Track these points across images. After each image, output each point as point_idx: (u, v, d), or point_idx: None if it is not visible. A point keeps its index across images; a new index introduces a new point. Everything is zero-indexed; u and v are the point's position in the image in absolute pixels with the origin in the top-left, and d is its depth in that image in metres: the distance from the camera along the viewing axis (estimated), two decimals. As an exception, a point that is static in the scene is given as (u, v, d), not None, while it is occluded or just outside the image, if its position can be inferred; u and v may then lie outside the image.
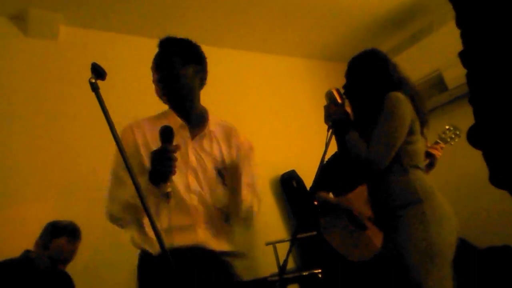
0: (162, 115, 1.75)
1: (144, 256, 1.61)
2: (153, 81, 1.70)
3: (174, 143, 1.49)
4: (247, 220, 1.77)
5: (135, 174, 1.32)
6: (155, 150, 1.46)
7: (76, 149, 3.08)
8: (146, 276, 1.59)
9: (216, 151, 1.72)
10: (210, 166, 1.67)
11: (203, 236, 1.60)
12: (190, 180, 1.61)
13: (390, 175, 1.86)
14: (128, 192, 1.51)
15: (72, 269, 2.48)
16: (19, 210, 2.75)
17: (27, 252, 2.33)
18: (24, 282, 2.21)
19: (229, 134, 1.80)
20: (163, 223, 1.55)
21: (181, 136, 1.64)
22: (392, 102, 1.86)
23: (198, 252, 1.59)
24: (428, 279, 1.68)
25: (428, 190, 1.83)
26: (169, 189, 1.47)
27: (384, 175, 1.87)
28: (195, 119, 1.72)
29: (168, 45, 1.72)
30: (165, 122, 1.63)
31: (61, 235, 2.31)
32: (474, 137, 0.80)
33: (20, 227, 2.64)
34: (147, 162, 1.54)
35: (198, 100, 1.76)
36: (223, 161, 1.71)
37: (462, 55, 0.81)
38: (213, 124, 1.77)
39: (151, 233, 1.51)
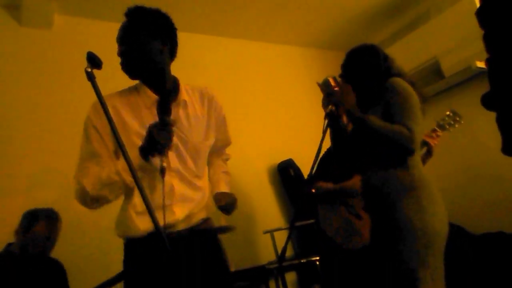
0: (134, 89, 1.67)
1: (129, 244, 1.58)
2: (117, 54, 1.61)
3: (150, 120, 1.49)
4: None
5: (126, 150, 1.28)
6: (155, 123, 1.43)
7: (72, 139, 3.06)
8: (136, 265, 1.54)
9: (195, 119, 1.69)
10: (190, 136, 1.64)
11: (181, 215, 1.56)
12: (170, 157, 1.56)
13: (389, 161, 1.87)
14: (109, 168, 1.49)
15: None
16: (4, 202, 2.75)
17: (9, 245, 2.32)
18: (13, 276, 2.20)
19: (204, 96, 1.76)
20: (153, 201, 1.49)
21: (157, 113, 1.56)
22: (402, 84, 1.88)
23: (177, 233, 1.55)
24: (422, 268, 1.69)
25: (425, 178, 1.84)
26: (164, 164, 1.45)
27: (383, 161, 1.88)
28: (168, 93, 1.64)
29: (134, 16, 1.63)
30: (137, 98, 1.63)
31: (39, 220, 2.30)
32: (489, 100, 0.75)
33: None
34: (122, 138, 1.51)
35: (169, 72, 1.68)
36: (201, 129, 1.70)
37: (480, 13, 0.75)
38: (188, 91, 1.72)
39: (131, 214, 1.53)
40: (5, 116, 2.93)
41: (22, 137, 2.94)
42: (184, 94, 1.69)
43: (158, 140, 1.40)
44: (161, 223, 1.33)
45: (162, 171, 1.44)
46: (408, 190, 1.79)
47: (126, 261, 1.59)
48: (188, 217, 1.58)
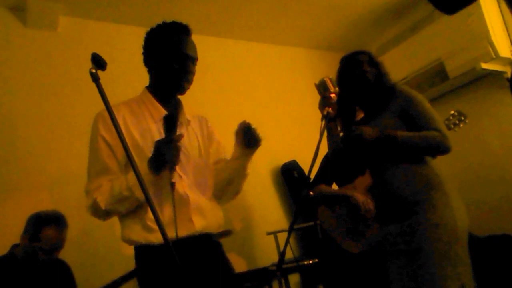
0: (141, 101, 1.70)
1: (145, 250, 1.58)
2: (187, 69, 1.73)
3: (157, 135, 1.55)
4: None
5: (136, 164, 1.31)
6: (162, 140, 1.47)
7: (76, 140, 3.08)
8: (153, 271, 1.56)
9: (195, 139, 1.75)
10: (192, 153, 1.69)
11: (199, 224, 1.60)
12: (178, 169, 1.58)
13: (406, 162, 1.86)
14: (120, 185, 1.52)
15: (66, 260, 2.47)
16: (17, 201, 2.76)
17: (15, 246, 2.29)
18: (18, 278, 2.17)
19: (202, 124, 1.83)
20: (165, 215, 1.52)
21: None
22: (413, 91, 1.94)
23: (199, 241, 1.60)
24: (457, 261, 1.68)
25: (443, 175, 1.86)
26: (173, 179, 1.48)
27: (399, 162, 1.87)
28: (174, 108, 1.72)
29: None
30: (144, 109, 1.66)
31: (49, 224, 2.25)
32: None
33: (8, 219, 2.62)
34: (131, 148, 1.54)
35: None
36: (200, 148, 1.75)
37: None
38: (188, 113, 1.78)
39: (153, 225, 1.51)
40: (9, 117, 2.94)
41: (26, 139, 2.95)
42: (188, 114, 1.76)
43: (164, 155, 1.44)
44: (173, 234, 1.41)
45: (172, 186, 1.48)
46: (433, 185, 1.79)
47: (141, 268, 1.60)
48: (207, 227, 1.63)
